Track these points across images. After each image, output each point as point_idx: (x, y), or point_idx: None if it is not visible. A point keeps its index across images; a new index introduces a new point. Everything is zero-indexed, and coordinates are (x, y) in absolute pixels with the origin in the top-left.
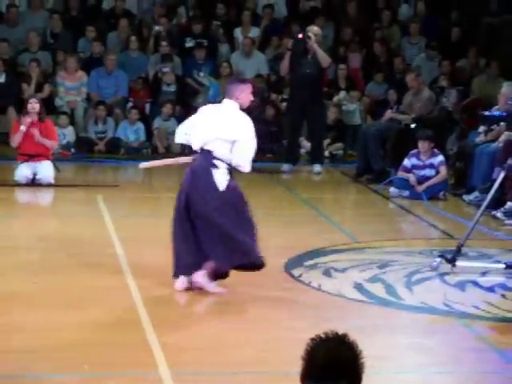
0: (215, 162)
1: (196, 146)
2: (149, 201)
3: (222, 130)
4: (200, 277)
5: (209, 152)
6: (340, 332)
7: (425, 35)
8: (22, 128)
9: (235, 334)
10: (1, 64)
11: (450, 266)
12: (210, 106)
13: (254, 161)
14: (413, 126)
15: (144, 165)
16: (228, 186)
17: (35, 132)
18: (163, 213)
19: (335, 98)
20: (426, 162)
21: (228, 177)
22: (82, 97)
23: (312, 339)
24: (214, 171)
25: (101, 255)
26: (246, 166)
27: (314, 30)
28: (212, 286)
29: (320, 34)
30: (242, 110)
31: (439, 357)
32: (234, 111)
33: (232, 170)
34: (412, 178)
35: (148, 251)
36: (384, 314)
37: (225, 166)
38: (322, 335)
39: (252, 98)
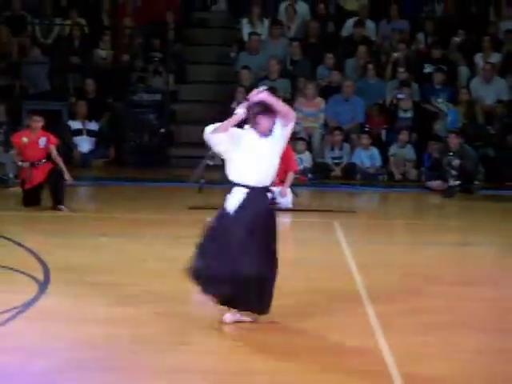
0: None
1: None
2: (384, 227)
3: (272, 166)
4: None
5: (260, 188)
6: None
7: None
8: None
9: (476, 364)
10: (243, 91)
11: None
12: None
13: (493, 188)
14: None
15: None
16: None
17: None
18: (399, 240)
19: None
20: None
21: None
22: (320, 123)
23: None
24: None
25: (338, 280)
26: None
27: None
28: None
29: None
30: None
31: None
32: (267, 140)
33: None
34: None
35: (384, 278)
36: None
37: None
38: None
39: (272, 126)
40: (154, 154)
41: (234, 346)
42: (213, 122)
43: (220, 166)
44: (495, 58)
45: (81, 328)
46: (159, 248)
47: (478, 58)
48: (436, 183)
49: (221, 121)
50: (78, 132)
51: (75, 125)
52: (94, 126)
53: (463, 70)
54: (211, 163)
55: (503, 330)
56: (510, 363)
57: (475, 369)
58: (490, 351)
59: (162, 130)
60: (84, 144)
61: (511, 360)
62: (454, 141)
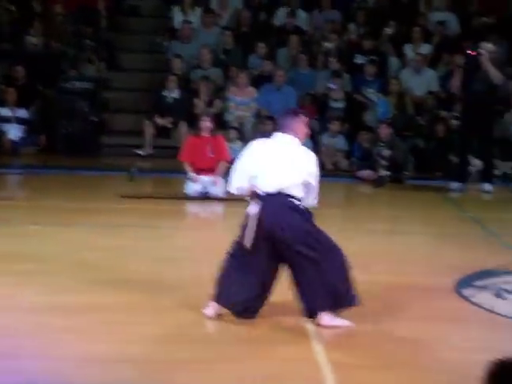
0: (292, 201)
1: (267, 191)
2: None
3: (299, 175)
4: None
5: (282, 194)
6: None
7: None
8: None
9: (404, 353)
10: (175, 79)
11: None
12: (266, 143)
13: (423, 178)
14: None
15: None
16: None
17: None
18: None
19: (506, 116)
20: None
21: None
22: (252, 112)
23: (493, 363)
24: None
25: None
26: (316, 204)
27: (487, 46)
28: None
29: (494, 51)
30: None
31: None
32: (301, 149)
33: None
34: None
35: None
36: None
37: (299, 203)
38: (504, 359)
39: (306, 131)
40: (86, 142)
41: (165, 335)
42: None
43: (151, 155)
44: (425, 49)
45: (9, 316)
46: (91, 237)
47: (408, 49)
48: (366, 173)
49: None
50: (7, 119)
51: (4, 112)
52: (23, 113)
53: (394, 61)
54: (143, 153)
55: (429, 317)
56: (437, 352)
57: (402, 356)
58: (417, 339)
59: (94, 118)
60: (13, 131)
61: (437, 348)
62: (384, 131)
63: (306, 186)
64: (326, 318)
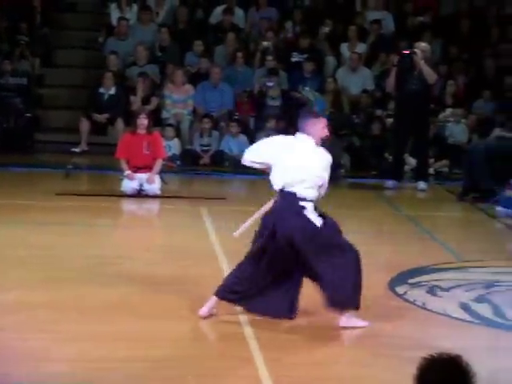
0: (301, 203)
1: (277, 187)
2: (253, 213)
3: (310, 176)
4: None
5: (291, 194)
6: (453, 353)
7: None
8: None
9: (339, 350)
10: (111, 76)
11: None
12: (285, 140)
13: (358, 177)
14: None
15: (238, 233)
16: (324, 223)
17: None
18: None
19: (441, 115)
20: None
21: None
22: (189, 110)
23: (424, 359)
24: (304, 212)
25: (204, 268)
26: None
27: (421, 45)
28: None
29: (428, 50)
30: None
31: None
32: (316, 150)
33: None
34: None
35: None
36: (491, 336)
37: (311, 204)
38: (436, 356)
39: (325, 133)
40: (20, 139)
41: (97, 332)
42: None
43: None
44: (361, 47)
45: None
46: (24, 234)
47: (344, 48)
48: None
49: None
50: None
51: None
52: None
53: (330, 60)
54: (78, 150)
55: (364, 314)
56: (371, 348)
57: (337, 353)
58: (351, 336)
59: (28, 115)
60: None
61: (370, 345)
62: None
63: (317, 186)
64: (343, 318)
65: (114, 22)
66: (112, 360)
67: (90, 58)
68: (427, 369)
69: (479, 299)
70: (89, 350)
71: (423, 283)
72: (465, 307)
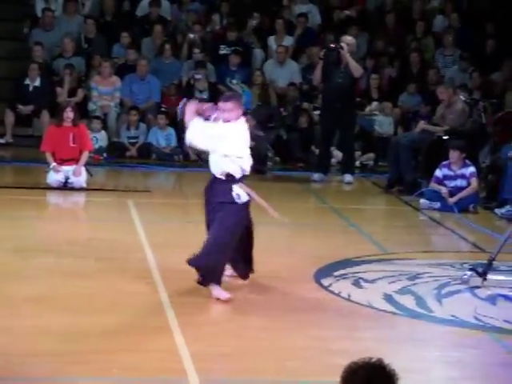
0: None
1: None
2: (179, 206)
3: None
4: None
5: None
6: (376, 358)
7: (459, 47)
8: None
9: (262, 341)
10: (36, 68)
11: (480, 279)
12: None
13: (285, 169)
14: (445, 137)
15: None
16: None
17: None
18: (193, 219)
19: (367, 109)
20: (458, 173)
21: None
22: (116, 102)
23: (349, 365)
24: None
25: (130, 260)
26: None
27: (347, 39)
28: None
29: (353, 44)
30: None
31: (468, 371)
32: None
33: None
34: (444, 189)
35: (177, 257)
36: (414, 326)
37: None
38: (360, 362)
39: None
40: None
41: (26, 327)
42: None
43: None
44: (288, 41)
45: None
46: None
47: (272, 41)
48: None
49: None
50: None
51: None
52: None
53: (257, 53)
54: (3, 141)
55: (289, 306)
56: (296, 340)
57: (261, 344)
58: (276, 328)
59: None
60: None
61: (296, 337)
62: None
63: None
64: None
65: (39, 12)
66: (35, 354)
67: (15, 49)
68: (351, 375)
69: (403, 291)
70: (18, 343)
71: (348, 275)
72: (388, 299)
